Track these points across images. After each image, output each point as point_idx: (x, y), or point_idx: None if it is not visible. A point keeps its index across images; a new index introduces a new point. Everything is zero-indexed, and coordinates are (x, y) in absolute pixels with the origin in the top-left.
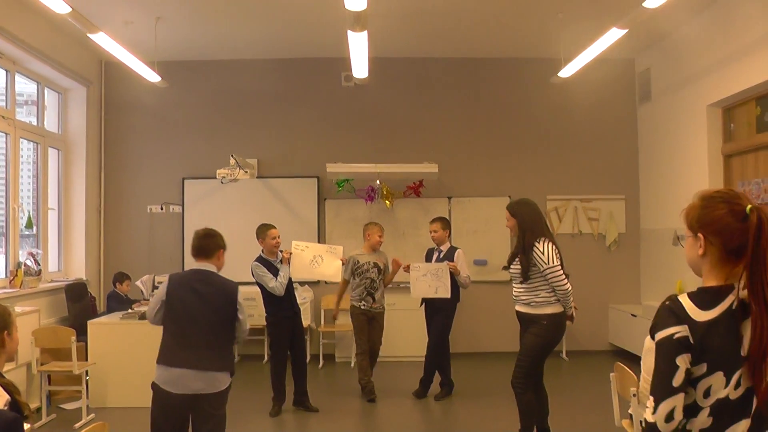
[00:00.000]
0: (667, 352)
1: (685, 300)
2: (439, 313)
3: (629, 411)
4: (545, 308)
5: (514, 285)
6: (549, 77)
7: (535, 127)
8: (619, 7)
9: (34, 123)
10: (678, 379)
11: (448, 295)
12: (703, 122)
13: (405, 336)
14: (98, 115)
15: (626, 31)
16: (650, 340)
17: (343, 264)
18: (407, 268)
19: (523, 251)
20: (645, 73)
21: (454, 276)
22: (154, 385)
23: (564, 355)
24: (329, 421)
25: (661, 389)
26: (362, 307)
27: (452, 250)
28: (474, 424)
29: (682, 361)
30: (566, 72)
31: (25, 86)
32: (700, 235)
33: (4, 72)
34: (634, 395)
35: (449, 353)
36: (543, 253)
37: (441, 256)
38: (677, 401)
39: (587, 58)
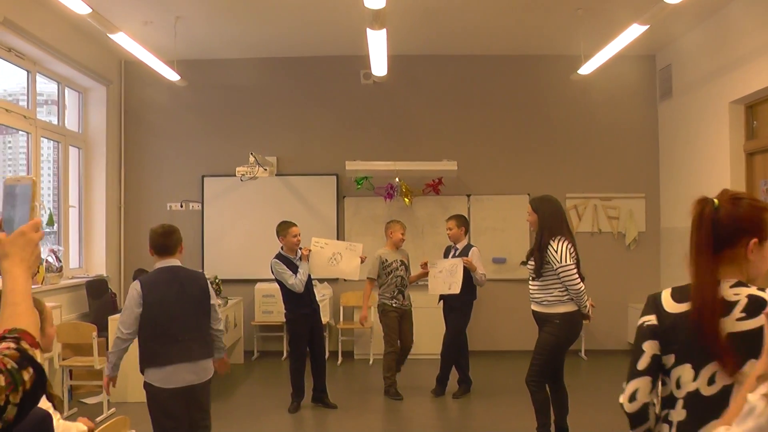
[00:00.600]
0: (637, 337)
1: (665, 292)
2: (454, 311)
3: None
4: (558, 307)
5: (530, 284)
6: (569, 74)
7: (554, 125)
8: (639, 2)
9: (55, 122)
10: (642, 363)
11: (458, 292)
12: (725, 119)
13: (424, 333)
14: (118, 114)
15: (647, 27)
16: None
17: (362, 262)
18: (425, 266)
19: (538, 248)
20: (666, 69)
21: (470, 272)
22: (147, 386)
23: (583, 354)
24: (348, 417)
25: (629, 372)
26: (394, 305)
27: (468, 247)
28: (492, 422)
29: (648, 347)
30: (586, 69)
31: (45, 86)
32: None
33: (26, 72)
34: None
35: (467, 350)
36: (557, 252)
37: (456, 253)
38: (640, 384)
39: (607, 55)
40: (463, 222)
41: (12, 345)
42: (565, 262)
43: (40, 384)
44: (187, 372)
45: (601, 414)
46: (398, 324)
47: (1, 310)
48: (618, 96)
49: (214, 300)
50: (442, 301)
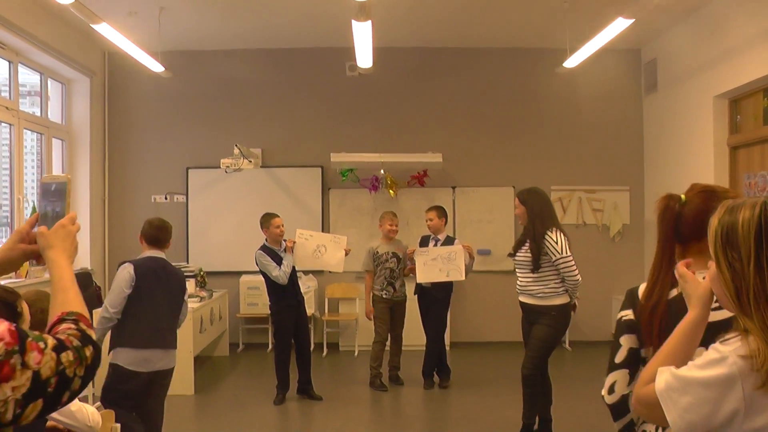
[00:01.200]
0: (616, 331)
1: (642, 286)
2: (437, 304)
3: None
4: (554, 299)
5: (519, 275)
6: (554, 67)
7: (539, 118)
8: None
9: (38, 114)
10: (620, 356)
11: (463, 278)
12: (710, 114)
13: (409, 325)
14: (102, 106)
15: (632, 21)
16: None
17: (346, 254)
18: (412, 253)
19: (533, 239)
20: (651, 63)
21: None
22: (113, 367)
23: (567, 345)
24: (333, 409)
25: (608, 365)
26: (384, 297)
27: (450, 239)
28: (477, 413)
29: (625, 341)
30: (571, 62)
31: (28, 77)
32: None
33: (7, 63)
34: None
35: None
36: (556, 243)
37: (438, 245)
38: (618, 376)
39: (593, 48)
40: (443, 213)
41: (72, 326)
42: (566, 253)
43: (98, 360)
44: (158, 358)
45: (584, 405)
46: (389, 315)
47: (53, 296)
48: (603, 89)
49: (186, 297)
50: (419, 293)
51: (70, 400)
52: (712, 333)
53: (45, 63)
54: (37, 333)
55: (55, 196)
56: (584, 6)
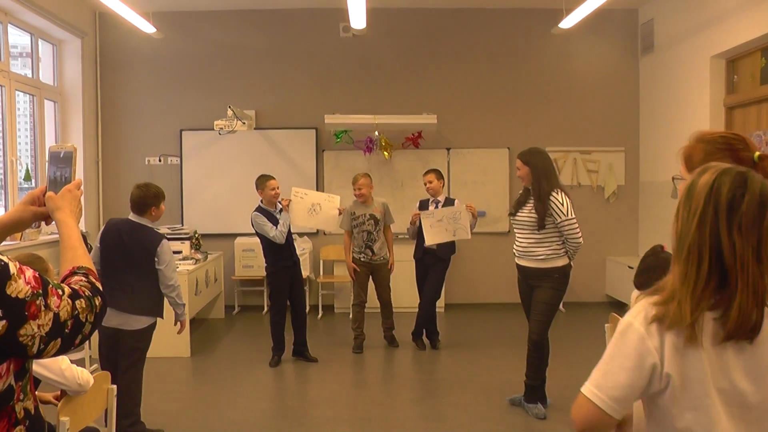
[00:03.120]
0: None
1: None
2: (439, 263)
3: None
4: (556, 261)
5: (519, 237)
6: (550, 28)
7: (535, 79)
8: None
9: (29, 75)
10: None
11: (469, 236)
12: (706, 74)
13: (403, 287)
14: (94, 67)
15: None
16: (637, 292)
17: (340, 214)
18: (416, 217)
19: (539, 199)
20: (648, 23)
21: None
22: None
23: (561, 307)
24: (328, 371)
25: None
26: (362, 260)
27: (450, 200)
28: (470, 374)
29: None
30: (567, 23)
31: (18, 38)
32: None
33: None
34: None
35: None
36: (562, 204)
37: (439, 206)
38: None
39: (589, 9)
40: (441, 175)
41: (83, 278)
42: (571, 215)
43: (105, 309)
44: (112, 317)
45: (578, 366)
46: (367, 278)
47: (62, 253)
48: (599, 50)
49: (163, 266)
50: (423, 253)
51: (81, 343)
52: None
53: (35, 23)
54: (56, 281)
55: (63, 163)
56: None
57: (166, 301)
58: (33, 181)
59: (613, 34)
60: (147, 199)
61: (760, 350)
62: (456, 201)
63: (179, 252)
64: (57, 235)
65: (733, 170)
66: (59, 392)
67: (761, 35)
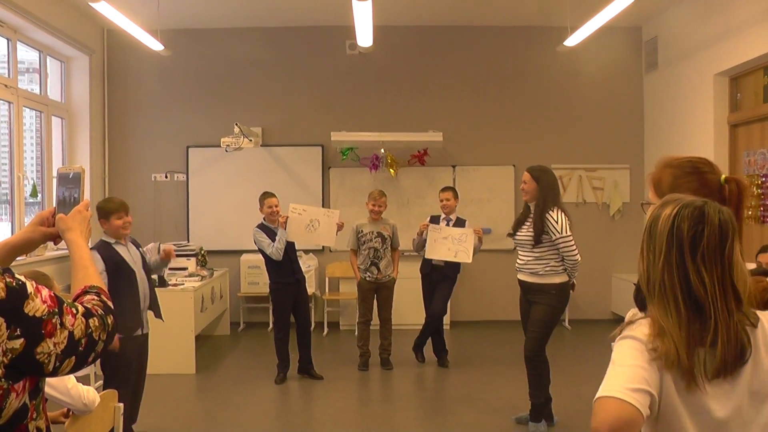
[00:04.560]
0: None
1: None
2: (446, 280)
3: None
4: (553, 278)
5: (520, 253)
6: (555, 46)
7: (540, 96)
8: None
9: (37, 91)
10: None
11: (470, 260)
12: (710, 91)
13: (408, 304)
14: (101, 84)
15: None
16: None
17: (340, 228)
18: (425, 227)
19: (539, 215)
20: (652, 41)
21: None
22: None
23: (567, 324)
24: (334, 389)
25: None
26: (367, 278)
27: (461, 221)
28: (476, 392)
29: None
30: (573, 40)
31: (26, 54)
32: None
33: (6, 40)
34: None
35: None
36: (557, 222)
37: (451, 225)
38: None
39: (594, 27)
40: (457, 194)
41: (95, 298)
42: (566, 232)
43: (116, 327)
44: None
45: (584, 384)
46: (372, 297)
47: (74, 272)
48: (604, 68)
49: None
50: (428, 271)
51: (94, 361)
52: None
53: (44, 41)
54: (70, 300)
55: (72, 184)
56: None
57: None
58: (39, 196)
59: (617, 51)
60: (96, 212)
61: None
62: (466, 222)
63: (185, 268)
64: (61, 252)
65: (691, 204)
66: (66, 409)
67: (764, 53)
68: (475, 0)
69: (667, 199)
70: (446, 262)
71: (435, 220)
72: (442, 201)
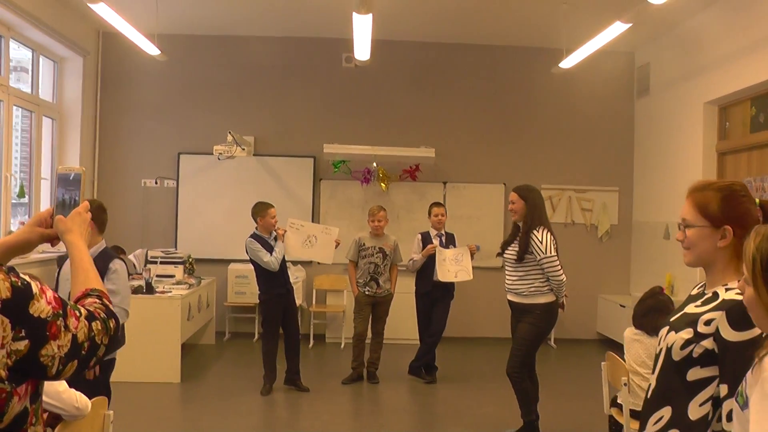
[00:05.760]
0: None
1: None
2: (445, 299)
3: (618, 400)
4: (538, 298)
5: (507, 274)
6: (550, 67)
7: (533, 116)
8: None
9: (27, 91)
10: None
11: (470, 278)
12: (700, 119)
13: (404, 319)
14: (94, 86)
15: (630, 25)
16: (632, 330)
17: (337, 246)
18: (433, 249)
19: (526, 234)
20: (644, 67)
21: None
22: None
23: (552, 343)
24: (321, 401)
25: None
26: (366, 293)
27: (450, 236)
28: (463, 408)
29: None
30: (567, 63)
31: (14, 52)
32: (727, 227)
33: None
34: (625, 384)
35: None
36: (541, 242)
37: (443, 240)
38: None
39: (589, 50)
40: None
41: (97, 301)
42: (550, 253)
43: (118, 331)
44: None
45: (569, 402)
46: (369, 312)
47: (74, 275)
48: (597, 91)
49: None
50: (432, 286)
51: (95, 365)
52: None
53: (37, 39)
54: (73, 303)
55: (72, 185)
56: (582, 7)
57: None
58: (27, 197)
59: (610, 75)
60: None
61: None
62: (455, 236)
63: (172, 276)
64: (47, 255)
65: None
66: (46, 415)
67: (752, 85)
68: (474, 18)
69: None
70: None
71: (426, 236)
72: (436, 216)
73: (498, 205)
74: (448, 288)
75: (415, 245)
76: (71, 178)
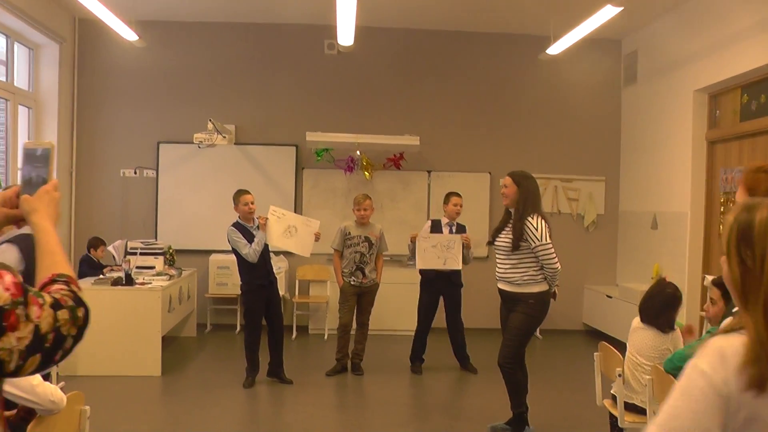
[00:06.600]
0: None
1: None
2: (455, 287)
3: (612, 391)
4: (532, 287)
5: (499, 262)
6: (537, 54)
7: (519, 104)
8: None
9: (0, 78)
10: None
11: (459, 267)
12: (689, 107)
13: (396, 309)
14: (71, 74)
15: (621, 9)
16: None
17: (317, 239)
18: (414, 239)
19: (518, 220)
20: (632, 55)
21: (462, 249)
22: None
23: (538, 334)
24: (304, 393)
25: None
26: (352, 283)
27: (461, 227)
28: (454, 399)
29: None
30: (555, 49)
31: None
32: None
33: None
34: (619, 375)
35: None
36: (537, 229)
37: (454, 230)
38: None
39: (576, 37)
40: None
41: (65, 287)
42: (545, 240)
43: (88, 321)
44: None
45: (556, 393)
46: (355, 302)
47: (39, 259)
48: (583, 79)
49: None
50: (433, 277)
51: (62, 359)
52: None
53: (12, 25)
54: (36, 289)
55: (39, 162)
56: None
57: None
58: (3, 187)
59: (597, 63)
60: None
61: None
62: (466, 228)
63: (152, 267)
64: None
65: None
66: (15, 410)
67: (742, 72)
68: (459, 4)
69: (750, 203)
70: (452, 270)
71: (437, 224)
72: (455, 206)
73: (483, 195)
74: (453, 280)
75: (423, 232)
76: (38, 153)
